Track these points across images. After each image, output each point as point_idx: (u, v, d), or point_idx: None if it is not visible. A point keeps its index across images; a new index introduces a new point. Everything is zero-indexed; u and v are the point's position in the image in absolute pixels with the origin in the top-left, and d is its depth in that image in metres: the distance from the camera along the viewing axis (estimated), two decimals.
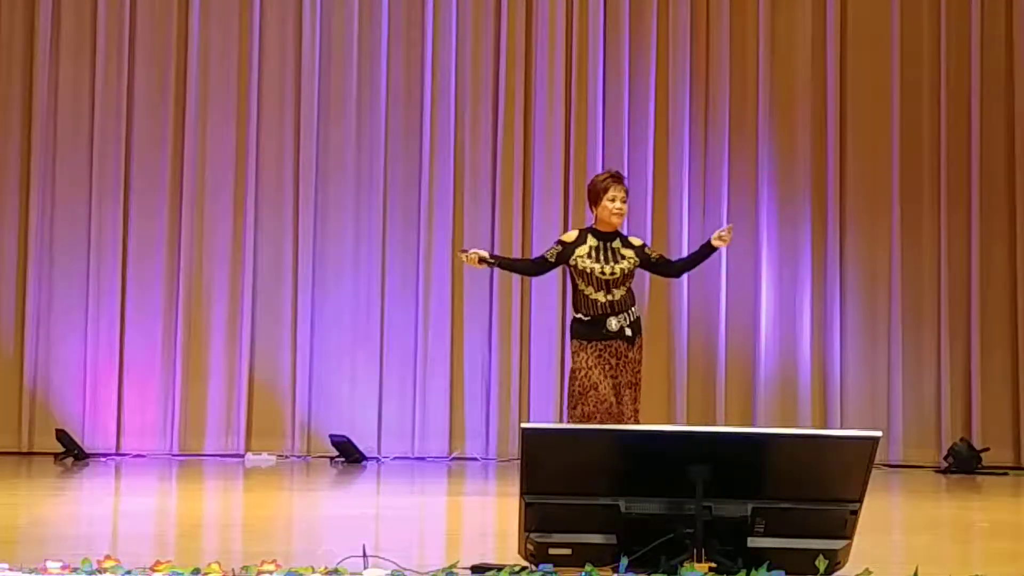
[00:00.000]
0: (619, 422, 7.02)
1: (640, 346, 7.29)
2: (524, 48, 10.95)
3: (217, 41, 10.94)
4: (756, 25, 10.93)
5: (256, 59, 10.91)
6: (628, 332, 7.18)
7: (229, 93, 10.91)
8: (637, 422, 7.16)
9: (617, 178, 7.36)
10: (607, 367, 7.14)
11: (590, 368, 7.13)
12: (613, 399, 7.12)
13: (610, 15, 10.95)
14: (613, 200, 7.23)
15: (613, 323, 7.15)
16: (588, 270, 7.19)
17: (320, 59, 10.93)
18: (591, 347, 7.17)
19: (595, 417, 7.08)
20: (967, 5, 10.84)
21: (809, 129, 10.92)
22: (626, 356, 7.18)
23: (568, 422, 7.31)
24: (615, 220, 7.28)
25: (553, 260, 7.33)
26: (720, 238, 7.27)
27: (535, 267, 7.61)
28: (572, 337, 7.36)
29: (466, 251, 7.42)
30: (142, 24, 10.92)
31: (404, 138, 10.95)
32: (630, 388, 7.18)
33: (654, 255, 7.43)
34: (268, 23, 10.97)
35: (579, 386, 7.15)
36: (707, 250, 7.39)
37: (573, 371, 7.24)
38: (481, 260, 7.37)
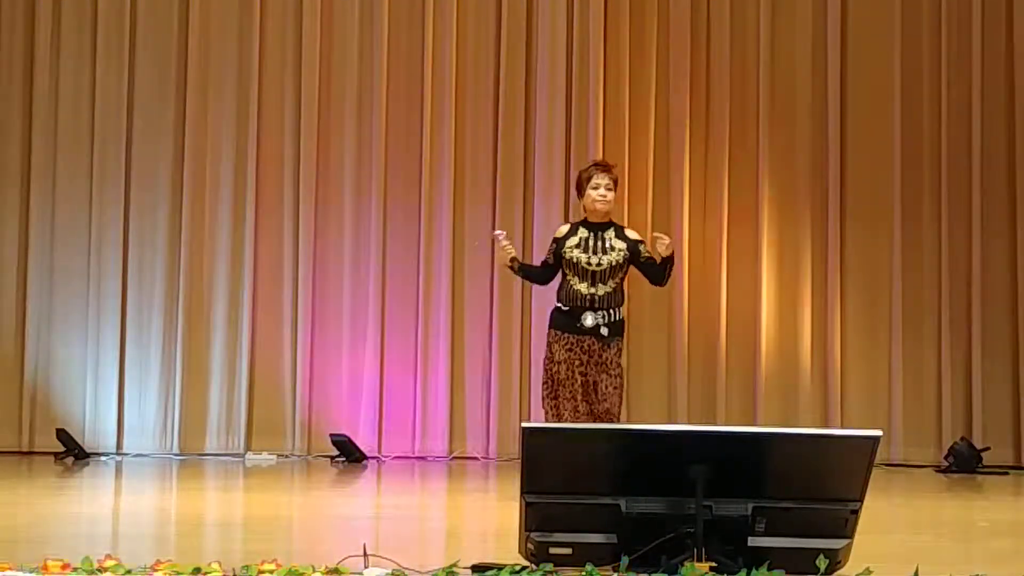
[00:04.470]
0: (588, 421, 6.79)
1: (619, 349, 7.02)
2: (524, 48, 10.94)
3: (217, 40, 10.93)
4: (757, 25, 10.92)
5: (256, 59, 10.90)
6: (604, 331, 6.93)
7: (229, 92, 10.91)
8: (612, 421, 6.88)
9: (601, 166, 7.22)
10: (577, 363, 6.92)
11: (560, 363, 6.94)
12: (580, 398, 6.91)
13: (610, 15, 10.94)
14: (597, 188, 7.07)
15: (589, 318, 6.93)
16: (575, 260, 7.00)
17: (320, 59, 10.93)
18: (564, 340, 6.96)
19: (563, 416, 6.90)
20: (968, 5, 10.84)
21: (810, 128, 10.92)
22: (600, 355, 6.94)
23: (543, 406, 7.08)
24: (599, 206, 7.07)
25: (553, 261, 7.15)
26: (663, 247, 6.97)
27: (544, 274, 7.32)
28: (549, 326, 7.14)
29: (500, 236, 7.20)
30: (142, 24, 10.91)
31: (404, 138, 10.94)
32: (596, 389, 6.91)
33: (644, 254, 7.12)
34: (268, 23, 10.96)
35: (549, 378, 6.99)
36: (664, 261, 7.07)
37: (545, 360, 7.06)
38: (511, 259, 7.18)
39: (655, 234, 7.13)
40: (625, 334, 7.17)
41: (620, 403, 7.02)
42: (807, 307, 10.83)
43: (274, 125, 10.93)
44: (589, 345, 6.92)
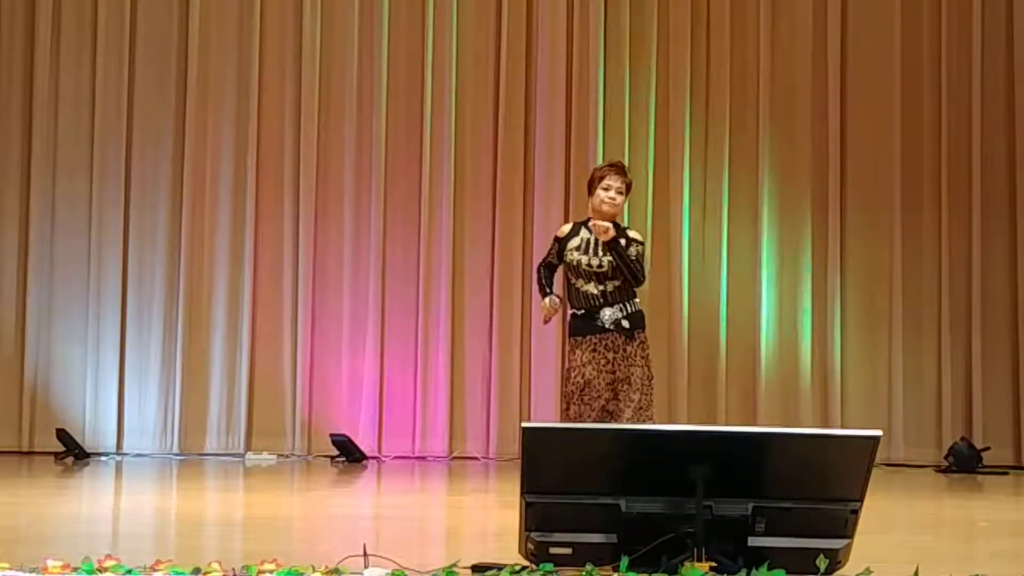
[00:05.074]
0: (616, 421, 6.57)
1: (643, 341, 6.76)
2: (524, 48, 10.95)
3: (217, 41, 10.94)
4: (757, 24, 10.93)
5: (256, 59, 10.91)
6: (625, 324, 6.69)
7: (229, 93, 10.91)
8: (643, 421, 6.65)
9: (616, 168, 6.93)
10: (603, 362, 6.66)
11: (584, 365, 6.68)
12: (609, 396, 6.66)
13: (610, 15, 10.95)
14: (608, 189, 6.78)
15: (607, 314, 6.68)
16: (575, 262, 6.75)
17: (320, 59, 10.93)
18: (586, 342, 6.71)
19: (588, 417, 6.64)
20: (968, 5, 10.84)
21: (810, 128, 10.92)
22: (624, 350, 6.68)
23: (562, 418, 6.87)
24: (606, 208, 6.78)
25: (556, 261, 6.89)
26: (603, 233, 6.69)
27: (549, 274, 6.95)
28: (568, 335, 6.89)
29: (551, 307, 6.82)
30: (142, 24, 10.92)
31: (404, 138, 10.95)
32: (629, 383, 6.66)
33: (634, 253, 6.79)
34: (268, 23, 10.97)
35: (573, 385, 6.71)
36: (611, 247, 6.73)
37: (567, 370, 6.81)
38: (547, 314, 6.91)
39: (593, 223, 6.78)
40: (646, 326, 6.85)
41: (651, 396, 6.75)
42: (807, 307, 10.83)
43: (274, 125, 10.94)
44: (612, 341, 6.70)
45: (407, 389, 10.79)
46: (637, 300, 6.84)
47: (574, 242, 6.82)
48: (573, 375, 6.74)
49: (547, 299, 6.85)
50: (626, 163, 10.29)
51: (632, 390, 6.70)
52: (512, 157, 10.89)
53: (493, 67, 10.98)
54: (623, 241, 6.84)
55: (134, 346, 10.77)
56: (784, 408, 10.69)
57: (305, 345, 10.77)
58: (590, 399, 6.70)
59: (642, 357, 6.77)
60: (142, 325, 10.80)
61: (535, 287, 7.11)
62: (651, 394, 6.81)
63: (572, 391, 6.73)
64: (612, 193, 6.81)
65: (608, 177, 6.85)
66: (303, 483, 9.26)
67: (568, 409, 6.79)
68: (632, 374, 6.72)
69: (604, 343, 6.71)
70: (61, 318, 10.78)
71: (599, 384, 6.69)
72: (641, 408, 6.73)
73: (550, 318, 6.94)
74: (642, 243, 6.95)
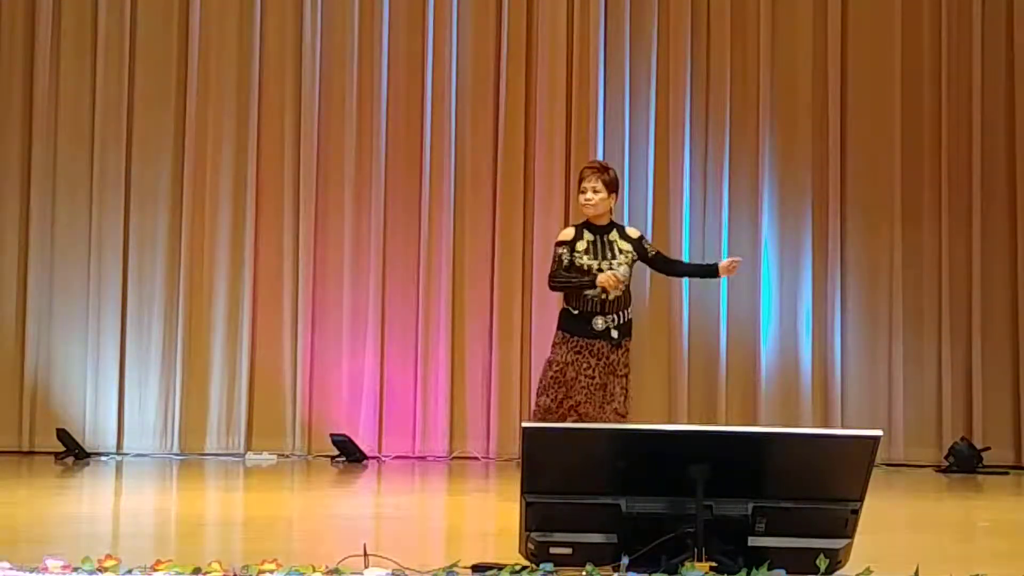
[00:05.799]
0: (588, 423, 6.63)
1: (627, 349, 6.86)
2: (524, 48, 10.94)
3: (217, 41, 10.93)
4: (757, 24, 10.93)
5: (256, 59, 10.90)
6: (614, 334, 6.77)
7: (229, 92, 10.91)
8: (621, 421, 6.74)
9: (592, 168, 6.95)
10: (584, 366, 6.75)
11: (566, 364, 6.76)
12: (581, 399, 6.73)
13: (611, 14, 10.94)
14: (584, 192, 6.84)
15: (599, 322, 6.75)
16: (585, 267, 6.78)
17: (320, 59, 10.93)
18: (572, 342, 6.78)
19: (556, 413, 6.72)
20: (968, 5, 10.84)
21: (810, 128, 10.92)
22: (608, 358, 6.77)
23: (533, 407, 6.92)
24: (584, 210, 6.87)
25: (569, 266, 6.85)
26: (727, 269, 7.08)
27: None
28: (557, 327, 6.91)
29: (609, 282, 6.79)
30: (142, 24, 10.92)
31: (404, 138, 10.94)
32: (607, 388, 6.75)
33: (652, 251, 6.98)
34: (268, 23, 10.96)
35: (551, 378, 6.78)
36: (711, 272, 7.12)
37: (550, 361, 6.84)
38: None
39: (734, 259, 7.17)
40: (633, 334, 6.95)
41: (627, 402, 6.86)
42: (807, 307, 10.83)
43: (274, 125, 10.93)
44: (599, 348, 6.77)
45: (407, 389, 10.79)
46: (630, 309, 6.89)
47: (580, 245, 6.84)
48: (553, 368, 6.80)
49: (602, 275, 6.73)
50: (625, 161, 10.39)
51: (607, 399, 6.77)
52: (512, 156, 10.89)
53: (493, 67, 10.97)
54: (631, 243, 6.85)
55: (134, 346, 10.77)
56: (784, 408, 10.69)
57: (305, 345, 10.77)
58: (563, 397, 6.76)
59: (624, 365, 6.85)
60: (142, 325, 10.79)
61: (558, 289, 6.92)
62: (627, 399, 6.87)
63: (548, 383, 6.80)
64: (588, 195, 6.85)
65: (585, 180, 6.89)
66: (303, 483, 9.26)
67: (541, 396, 6.84)
68: (610, 382, 6.79)
69: (590, 348, 6.78)
70: (61, 318, 10.78)
71: (576, 386, 6.75)
72: (619, 415, 6.80)
73: (615, 285, 6.78)
74: (644, 236, 7.05)
